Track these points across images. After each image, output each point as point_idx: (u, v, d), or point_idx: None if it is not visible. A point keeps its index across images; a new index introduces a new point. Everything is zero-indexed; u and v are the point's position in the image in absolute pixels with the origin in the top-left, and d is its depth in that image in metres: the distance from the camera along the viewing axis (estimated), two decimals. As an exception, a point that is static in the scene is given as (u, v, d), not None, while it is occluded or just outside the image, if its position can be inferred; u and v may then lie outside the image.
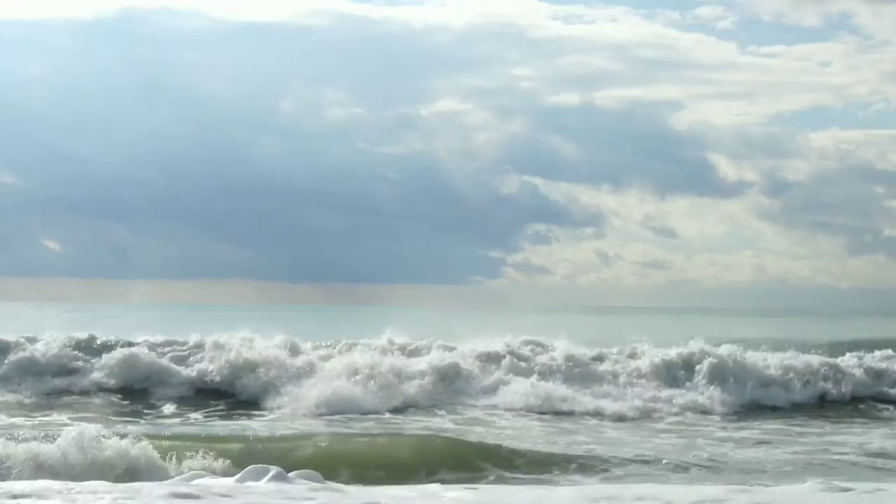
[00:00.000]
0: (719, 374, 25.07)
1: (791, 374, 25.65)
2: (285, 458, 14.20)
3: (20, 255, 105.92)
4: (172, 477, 12.76)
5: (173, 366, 24.09)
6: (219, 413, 21.87)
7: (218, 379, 23.74)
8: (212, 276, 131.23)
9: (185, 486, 11.33)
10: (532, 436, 18.93)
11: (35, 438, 13.84)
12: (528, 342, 26.49)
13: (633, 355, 26.28)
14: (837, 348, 29.57)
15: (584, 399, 23.09)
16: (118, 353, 24.04)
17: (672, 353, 25.95)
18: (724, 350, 26.14)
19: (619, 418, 21.87)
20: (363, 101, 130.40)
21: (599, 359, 25.97)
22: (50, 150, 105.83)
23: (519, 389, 23.30)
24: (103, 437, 13.75)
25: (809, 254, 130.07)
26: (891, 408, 24.73)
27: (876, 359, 27.18)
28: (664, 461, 15.77)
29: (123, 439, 13.75)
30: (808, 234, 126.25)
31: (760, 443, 18.78)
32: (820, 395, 25.46)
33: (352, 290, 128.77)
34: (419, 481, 13.68)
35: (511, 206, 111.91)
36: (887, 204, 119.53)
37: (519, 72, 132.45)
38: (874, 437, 19.53)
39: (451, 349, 25.76)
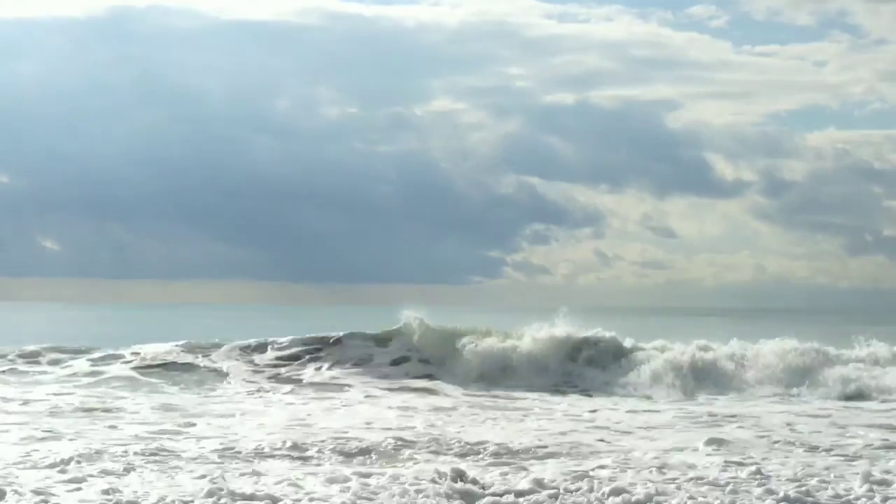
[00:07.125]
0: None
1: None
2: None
3: (16, 255, 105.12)
4: None
5: None
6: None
7: None
8: (211, 277, 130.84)
9: None
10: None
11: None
12: None
13: None
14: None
15: None
16: None
17: None
18: None
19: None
20: (357, 100, 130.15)
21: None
22: (45, 150, 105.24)
23: None
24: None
25: (808, 254, 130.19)
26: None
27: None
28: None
29: None
30: (806, 233, 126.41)
31: None
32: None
33: (351, 290, 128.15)
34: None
35: (509, 205, 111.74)
36: (886, 204, 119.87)
37: (513, 71, 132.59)
38: None
39: None
